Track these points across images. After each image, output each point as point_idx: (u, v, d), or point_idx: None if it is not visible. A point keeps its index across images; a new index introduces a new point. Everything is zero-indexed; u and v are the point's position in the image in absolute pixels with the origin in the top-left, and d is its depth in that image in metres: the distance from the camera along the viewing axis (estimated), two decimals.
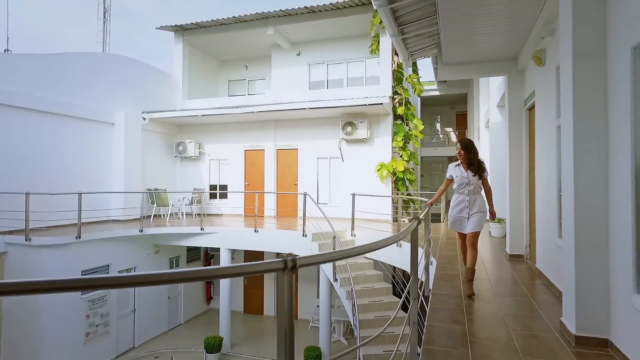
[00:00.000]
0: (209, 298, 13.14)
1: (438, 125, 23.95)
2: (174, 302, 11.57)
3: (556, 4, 3.53)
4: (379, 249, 1.57)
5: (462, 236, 4.39)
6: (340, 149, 11.66)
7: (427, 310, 3.52)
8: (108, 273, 9.33)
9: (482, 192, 4.35)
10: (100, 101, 10.78)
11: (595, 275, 2.74)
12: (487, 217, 4.41)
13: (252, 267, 1.51)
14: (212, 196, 13.21)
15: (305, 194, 8.80)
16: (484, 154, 11.00)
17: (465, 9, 4.38)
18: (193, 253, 12.48)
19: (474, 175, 4.17)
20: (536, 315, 3.52)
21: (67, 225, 9.29)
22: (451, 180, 4.36)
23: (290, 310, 1.32)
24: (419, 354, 2.69)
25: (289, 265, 1.26)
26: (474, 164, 4.19)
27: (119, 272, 9.69)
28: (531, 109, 5.62)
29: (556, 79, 4.12)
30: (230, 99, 13.64)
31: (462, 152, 4.22)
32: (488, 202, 4.31)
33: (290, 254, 1.31)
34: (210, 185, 13.20)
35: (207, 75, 15.12)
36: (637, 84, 2.35)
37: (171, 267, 11.56)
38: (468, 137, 4.70)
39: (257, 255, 12.29)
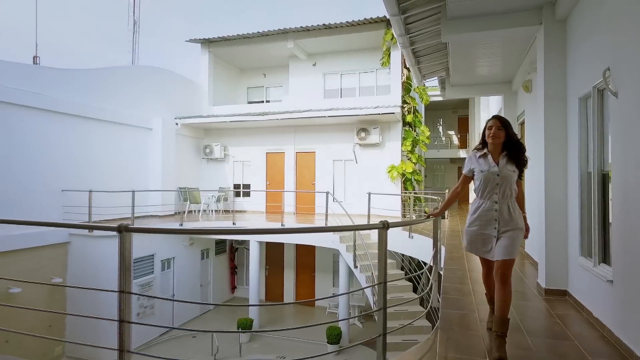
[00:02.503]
0: (233, 287, 14.42)
1: (440, 129, 25.16)
2: (205, 289, 12.86)
3: (536, 52, 4.80)
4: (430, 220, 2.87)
5: (488, 263, 3.00)
6: (354, 152, 12.94)
7: (442, 277, 4.80)
8: (153, 262, 10.63)
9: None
10: (140, 108, 12.06)
11: (557, 247, 4.03)
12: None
13: (361, 226, 2.85)
14: (236, 194, 14.47)
15: (327, 193, 10.07)
16: None
17: (469, 51, 5.66)
18: (220, 246, 13.77)
19: (513, 170, 2.76)
20: (521, 280, 4.80)
21: (118, 219, 10.56)
22: (470, 178, 2.97)
23: (386, 253, 2.59)
24: (439, 300, 3.97)
25: (386, 225, 2.53)
26: (514, 148, 2.80)
27: (161, 261, 10.99)
28: (522, 123, 6.90)
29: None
30: (251, 106, 14.91)
31: (498, 131, 2.79)
32: (521, 209, 2.89)
33: (386, 220, 2.58)
34: (234, 185, 14.47)
35: (228, 82, 16.38)
36: (581, 123, 3.64)
37: (202, 258, 12.86)
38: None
39: (277, 246, 13.58)
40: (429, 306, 3.71)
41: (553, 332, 3.07)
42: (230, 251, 14.39)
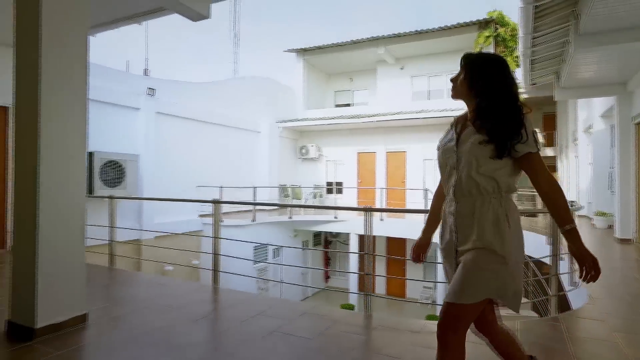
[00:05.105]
0: (327, 277, 15.63)
1: None
2: (305, 277, 14.17)
3: None
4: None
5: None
6: None
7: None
8: (267, 250, 12.08)
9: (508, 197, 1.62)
10: (250, 114, 13.66)
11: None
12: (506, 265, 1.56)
13: (534, 210, 3.65)
14: (329, 191, 15.63)
15: (426, 190, 10.81)
16: (584, 159, 11.93)
17: (588, 58, 6.10)
18: (317, 239, 15.06)
19: (479, 142, 1.55)
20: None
21: (236, 212, 12.12)
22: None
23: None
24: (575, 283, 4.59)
25: None
26: (484, 103, 1.59)
27: (273, 250, 12.42)
28: (639, 123, 7.11)
29: None
30: (340, 109, 15.99)
31: (455, 80, 1.69)
32: (557, 221, 1.52)
33: None
34: (327, 182, 15.65)
35: (317, 86, 17.60)
36: None
37: (303, 249, 14.18)
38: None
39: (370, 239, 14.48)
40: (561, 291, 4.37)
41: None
42: (325, 243, 15.60)
